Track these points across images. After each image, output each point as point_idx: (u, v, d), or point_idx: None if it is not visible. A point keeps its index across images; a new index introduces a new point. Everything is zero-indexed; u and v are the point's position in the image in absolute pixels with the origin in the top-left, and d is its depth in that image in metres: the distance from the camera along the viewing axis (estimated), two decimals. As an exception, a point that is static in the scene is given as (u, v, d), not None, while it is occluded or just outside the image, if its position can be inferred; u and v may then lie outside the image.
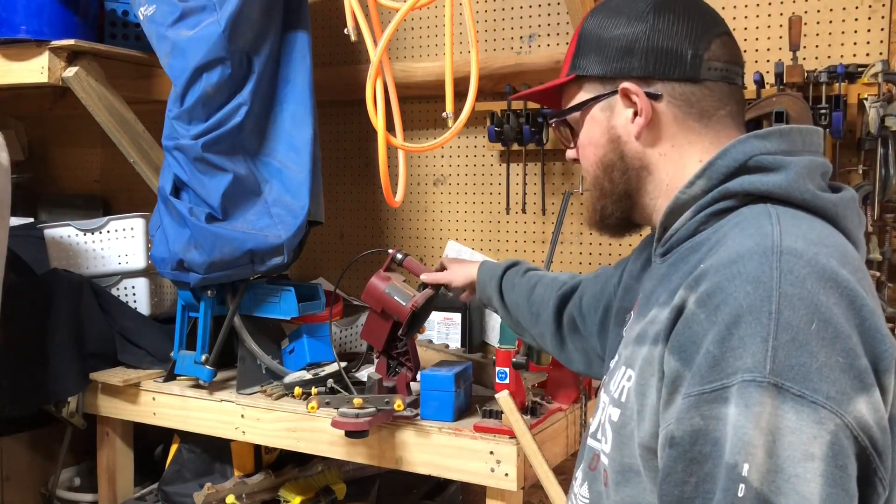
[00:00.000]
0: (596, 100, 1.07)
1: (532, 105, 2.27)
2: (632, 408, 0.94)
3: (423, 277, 1.75)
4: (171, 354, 2.07)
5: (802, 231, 0.87)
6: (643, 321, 0.98)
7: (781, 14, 2.09)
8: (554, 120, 1.16)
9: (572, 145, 1.15)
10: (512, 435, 1.59)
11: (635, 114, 1.04)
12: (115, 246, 2.35)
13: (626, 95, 1.04)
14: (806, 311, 0.79)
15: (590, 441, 1.08)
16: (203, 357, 2.00)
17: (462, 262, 1.76)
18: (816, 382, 0.77)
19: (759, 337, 0.78)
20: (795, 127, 1.00)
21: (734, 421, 0.77)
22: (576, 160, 1.15)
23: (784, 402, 0.76)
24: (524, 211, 2.40)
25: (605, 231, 1.13)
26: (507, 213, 2.42)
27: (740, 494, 0.75)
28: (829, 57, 2.03)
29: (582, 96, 1.09)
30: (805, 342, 0.78)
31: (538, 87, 1.19)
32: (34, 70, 2.16)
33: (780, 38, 2.09)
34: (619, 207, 1.08)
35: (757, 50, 2.13)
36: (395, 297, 1.73)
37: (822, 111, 1.88)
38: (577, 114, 1.10)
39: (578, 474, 1.11)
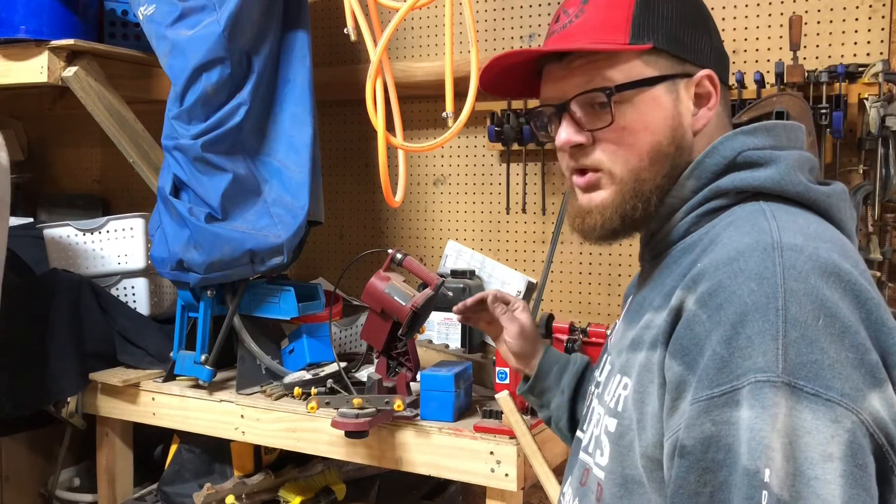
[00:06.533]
0: (669, 79, 0.95)
1: (533, 104, 2.26)
2: (630, 417, 0.90)
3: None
4: (171, 354, 2.07)
5: (799, 226, 0.84)
6: (636, 327, 0.94)
7: (781, 14, 2.08)
8: (596, 93, 0.95)
9: (590, 128, 0.96)
10: (512, 435, 1.58)
11: (696, 105, 0.97)
12: (114, 246, 2.34)
13: (704, 83, 0.96)
14: (812, 307, 0.76)
15: (581, 455, 1.03)
16: (202, 357, 1.99)
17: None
18: (829, 380, 0.73)
19: (769, 335, 0.75)
20: (780, 123, 0.97)
21: (749, 424, 0.73)
22: (578, 146, 0.97)
23: (799, 402, 0.73)
24: (524, 211, 2.40)
25: (604, 237, 0.99)
26: (507, 213, 2.42)
27: (764, 502, 0.71)
28: (829, 57, 2.02)
29: (646, 72, 0.95)
30: (814, 339, 0.74)
31: (572, 44, 0.96)
32: (34, 70, 2.16)
33: (781, 37, 2.09)
34: (649, 203, 0.96)
35: (757, 50, 2.13)
36: (395, 297, 1.73)
37: (823, 111, 1.88)
38: (624, 92, 0.94)
39: (567, 489, 1.07)
